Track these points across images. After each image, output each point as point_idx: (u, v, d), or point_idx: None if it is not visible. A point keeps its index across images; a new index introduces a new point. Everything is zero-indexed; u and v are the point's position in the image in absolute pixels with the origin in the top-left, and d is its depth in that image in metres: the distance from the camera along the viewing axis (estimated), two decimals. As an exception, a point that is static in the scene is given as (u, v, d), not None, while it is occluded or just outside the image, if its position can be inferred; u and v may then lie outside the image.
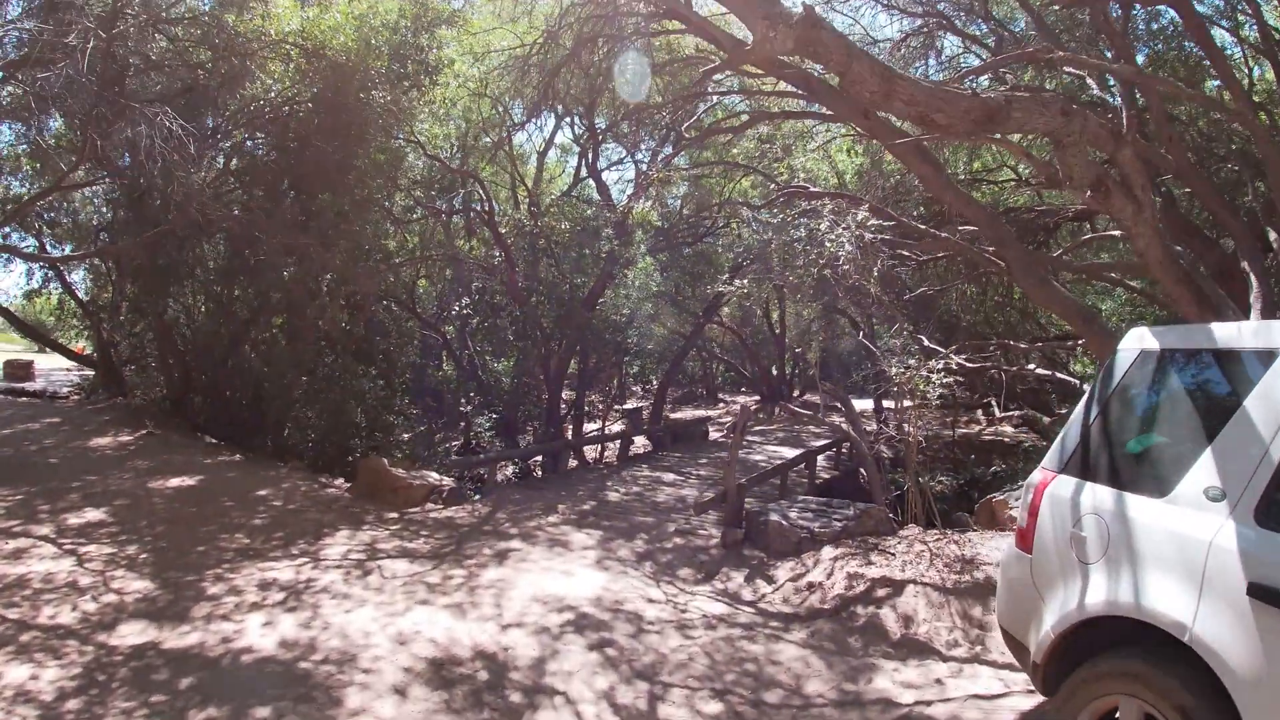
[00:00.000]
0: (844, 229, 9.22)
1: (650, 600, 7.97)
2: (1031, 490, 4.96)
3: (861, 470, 19.60)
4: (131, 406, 15.98)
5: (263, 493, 10.92)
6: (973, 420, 27.30)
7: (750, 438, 21.86)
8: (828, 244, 9.03)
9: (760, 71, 10.02)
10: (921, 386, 11.29)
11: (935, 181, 9.62)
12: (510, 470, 17.12)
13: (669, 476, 14.77)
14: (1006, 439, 21.22)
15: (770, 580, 8.76)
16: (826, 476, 16.25)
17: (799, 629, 7.49)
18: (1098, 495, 4.32)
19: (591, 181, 20.68)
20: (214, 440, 13.91)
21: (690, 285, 22.17)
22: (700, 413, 31.07)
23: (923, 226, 10.26)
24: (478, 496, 13.73)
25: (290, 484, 11.44)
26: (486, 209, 14.43)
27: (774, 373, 33.01)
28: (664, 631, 7.15)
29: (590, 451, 18.45)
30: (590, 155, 19.82)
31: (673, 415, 26.25)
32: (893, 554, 9.02)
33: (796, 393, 33.41)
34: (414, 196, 16.12)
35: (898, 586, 8.18)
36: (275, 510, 10.24)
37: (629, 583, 8.46)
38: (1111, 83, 10.38)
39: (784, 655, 6.84)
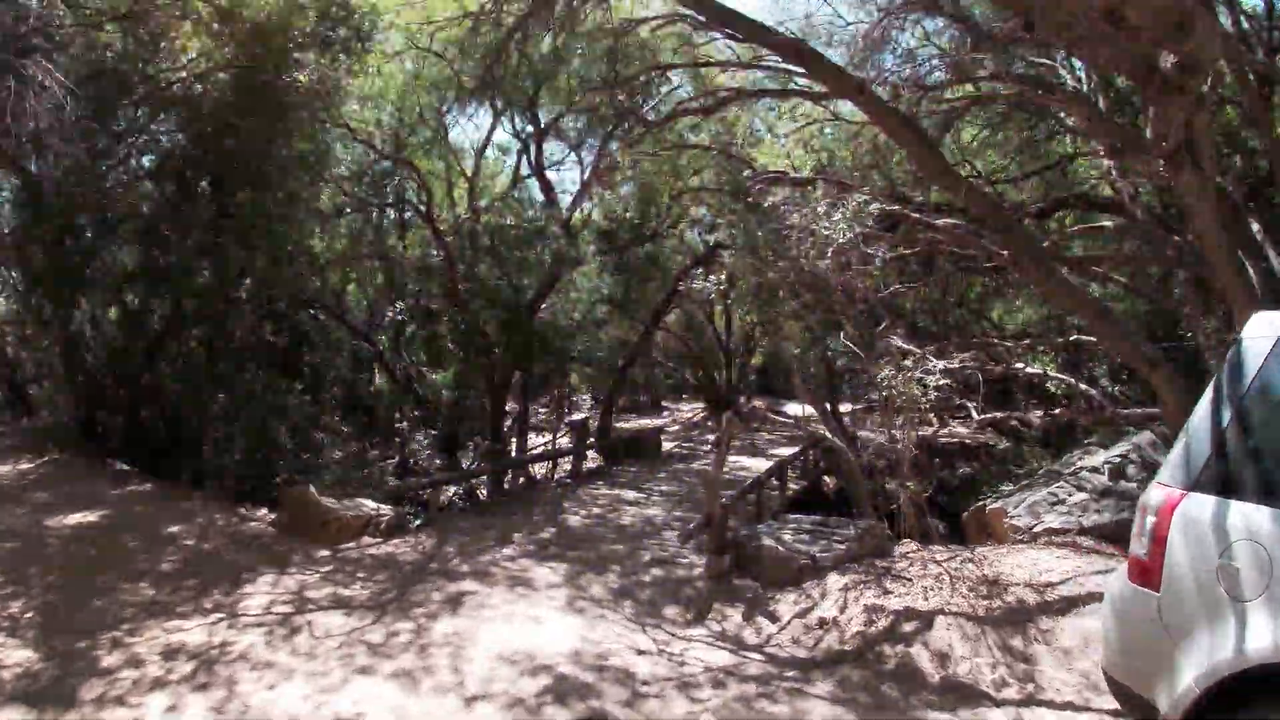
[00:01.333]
0: (841, 215, 8.15)
1: (639, 651, 6.68)
2: (1153, 513, 3.96)
3: (828, 480, 18.65)
4: (36, 430, 14.16)
5: (174, 529, 9.34)
6: (927, 423, 26.74)
7: (705, 448, 20.71)
8: (823, 230, 7.94)
9: (740, 41, 8.88)
10: (914, 391, 10.28)
11: (932, 164, 8.59)
12: (454, 491, 15.62)
13: (630, 495, 13.48)
14: (967, 441, 20.51)
15: (773, 617, 7.55)
16: (795, 488, 15.18)
17: (822, 679, 6.30)
18: (1251, 517, 3.51)
19: (533, 181, 19.35)
20: (126, 466, 12.28)
21: (639, 289, 20.94)
22: (645, 421, 29.86)
23: (919, 215, 9.24)
24: (419, 523, 12.25)
25: (206, 517, 9.86)
26: (423, 202, 12.97)
27: (718, 380, 32.00)
28: (664, 695, 5.87)
29: (538, 468, 17.05)
30: (533, 151, 18.48)
31: (617, 425, 24.96)
32: (908, 579, 7.94)
33: (744, 400, 32.46)
34: (342, 190, 14.54)
35: (925, 619, 7.11)
36: (188, 551, 8.68)
37: (610, 629, 7.15)
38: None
39: (815, 716, 5.62)
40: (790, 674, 6.38)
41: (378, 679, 5.83)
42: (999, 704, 5.82)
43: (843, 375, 24.67)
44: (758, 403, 34.08)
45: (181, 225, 11.99)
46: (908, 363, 9.59)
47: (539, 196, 18.98)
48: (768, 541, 8.53)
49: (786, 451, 19.76)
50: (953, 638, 6.80)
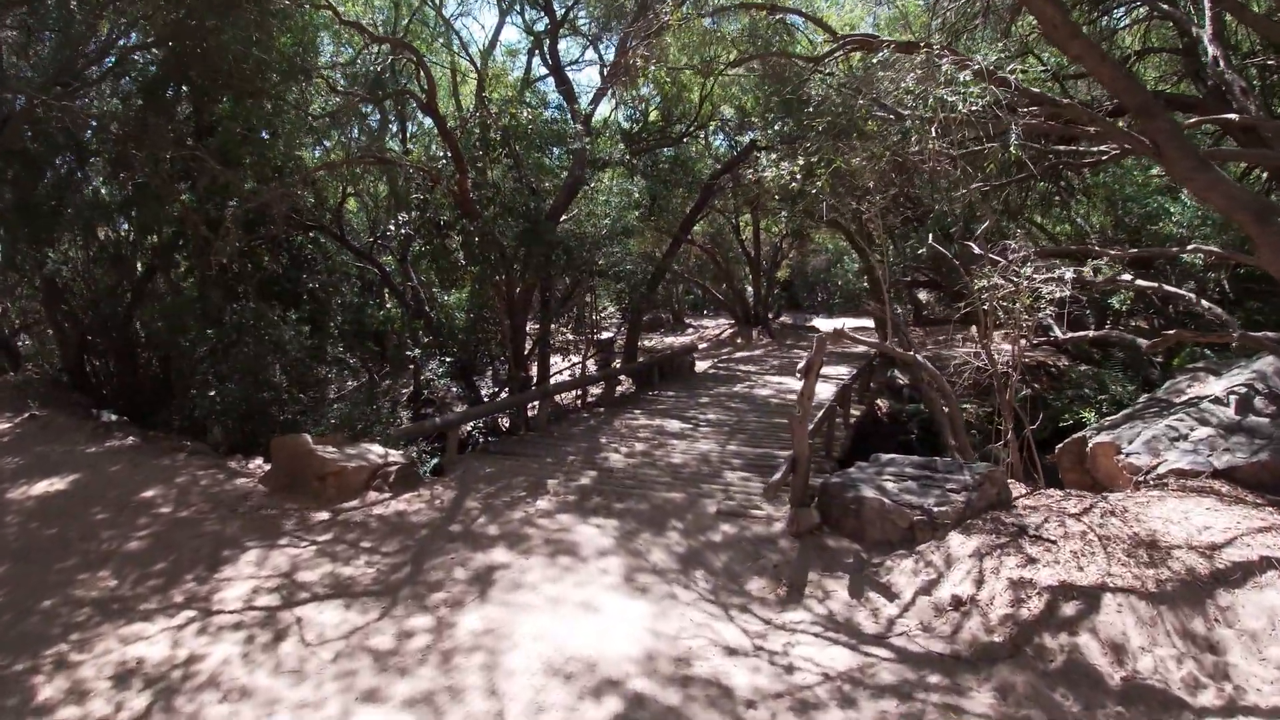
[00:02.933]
0: (974, 75, 6.24)
1: (730, 650, 5.11)
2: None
3: (880, 404, 16.96)
4: (19, 383, 12.84)
5: (149, 493, 7.82)
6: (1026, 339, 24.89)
7: (743, 367, 19.01)
8: (949, 97, 6.04)
9: None
10: (1024, 303, 8.50)
11: (1063, 28, 6.55)
12: (473, 426, 14.03)
13: (673, 425, 11.82)
14: (1028, 361, 18.64)
15: (889, 593, 5.97)
16: (856, 413, 13.50)
17: (976, 684, 4.77)
18: None
19: (549, 80, 17.23)
20: (114, 417, 10.88)
21: (666, 195, 18.93)
22: (670, 339, 28.15)
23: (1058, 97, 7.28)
24: (434, 466, 10.68)
25: (188, 476, 8.32)
26: (426, 91, 10.97)
27: (748, 294, 30.12)
28: (780, 722, 4.27)
29: (566, 395, 15.44)
30: (547, 46, 16.28)
31: (642, 344, 23.24)
32: (1050, 541, 6.30)
33: (771, 315, 30.64)
34: (332, 87, 12.51)
35: (1088, 598, 5.56)
36: (162, 522, 7.16)
37: (685, 615, 5.57)
38: None
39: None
40: (934, 680, 4.82)
41: (388, 710, 4.26)
42: (1199, 714, 4.55)
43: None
44: (785, 318, 32.33)
45: (155, 144, 10.23)
46: (1027, 270, 7.78)
47: (555, 97, 16.92)
48: (868, 492, 6.86)
49: (835, 371, 18.09)
50: (1126, 622, 5.32)
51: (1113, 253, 9.53)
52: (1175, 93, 12.42)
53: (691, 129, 18.45)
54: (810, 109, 13.30)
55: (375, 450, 8.52)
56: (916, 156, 7.43)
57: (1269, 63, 10.38)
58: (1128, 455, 8.59)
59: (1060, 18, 6.54)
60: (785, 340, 26.43)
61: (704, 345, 26.12)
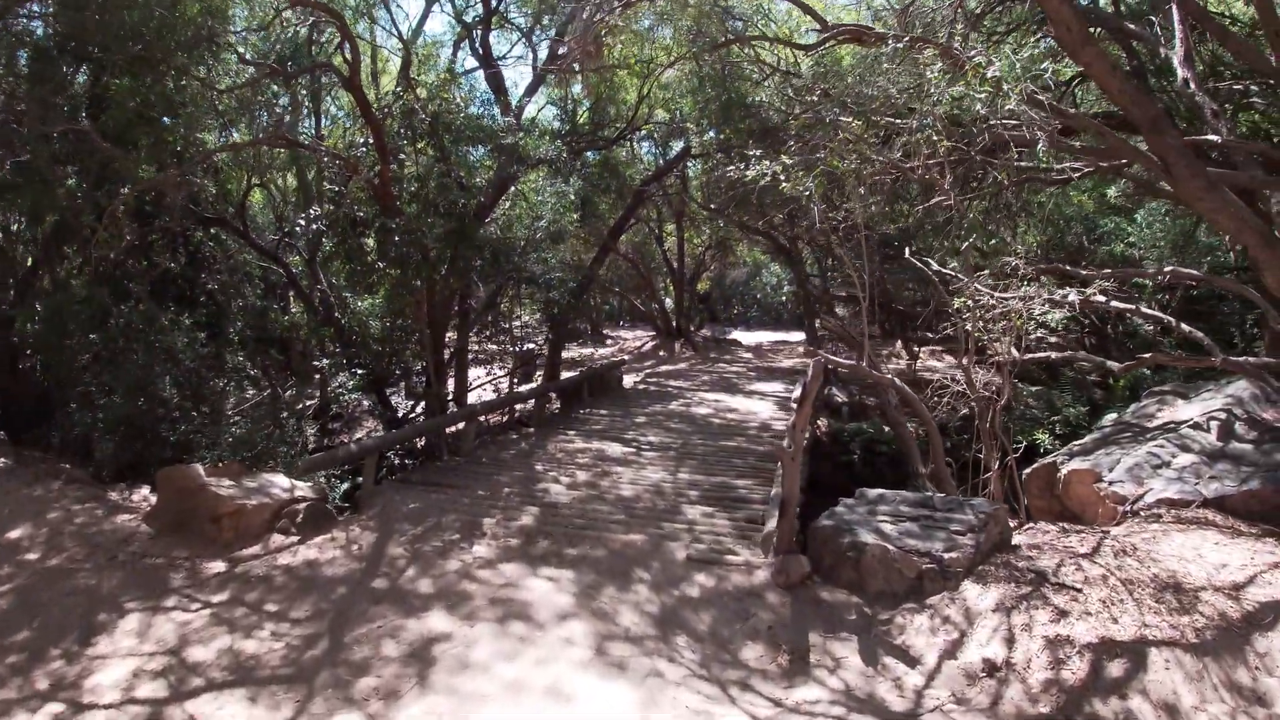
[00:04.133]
0: (1001, 69, 5.48)
1: (742, 747, 4.09)
2: None
3: (820, 424, 16.28)
4: None
5: (15, 534, 6.44)
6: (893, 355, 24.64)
7: (673, 383, 18.11)
8: (972, 95, 5.25)
9: None
10: (1017, 323, 7.86)
11: (1077, 34, 5.90)
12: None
13: (614, 449, 10.77)
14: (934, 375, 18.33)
15: (909, 657, 5.11)
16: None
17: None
18: None
19: (476, 74, 15.98)
20: None
21: (595, 200, 17.89)
22: (588, 351, 27.07)
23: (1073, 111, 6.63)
24: (343, 500, 9.37)
25: (61, 511, 6.88)
26: (350, 63, 9.58)
27: (669, 306, 29.35)
28: None
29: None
30: (480, 35, 15.06)
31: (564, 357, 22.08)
32: (1076, 589, 5.57)
33: (693, 328, 29.92)
34: (240, 56, 10.95)
35: (1132, 655, 4.95)
36: (27, 572, 5.81)
37: (679, 701, 4.59)
38: None
39: None
40: (992, 780, 3.91)
41: None
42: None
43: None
44: (706, 331, 31.68)
45: (42, 119, 8.74)
46: (1029, 289, 7.12)
47: (484, 92, 15.71)
48: (867, 537, 5.99)
49: (769, 387, 17.37)
50: (1174, 680, 4.70)
51: (1107, 273, 9.00)
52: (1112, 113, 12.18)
53: (625, 132, 17.47)
54: (764, 111, 12.63)
55: (279, 483, 7.21)
56: (913, 160, 6.64)
57: (1235, 86, 10.09)
58: (1110, 484, 8.09)
59: (1075, 23, 5.88)
60: (709, 354, 25.69)
61: (625, 358, 25.18)
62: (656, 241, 28.66)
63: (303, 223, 12.10)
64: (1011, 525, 7.16)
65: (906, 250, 9.40)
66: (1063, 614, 5.23)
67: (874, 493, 6.95)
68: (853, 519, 6.36)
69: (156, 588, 5.60)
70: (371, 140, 10.32)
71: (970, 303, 7.94)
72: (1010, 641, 5.05)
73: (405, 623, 5.27)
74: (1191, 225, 13.36)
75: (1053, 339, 9.19)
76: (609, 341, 30.61)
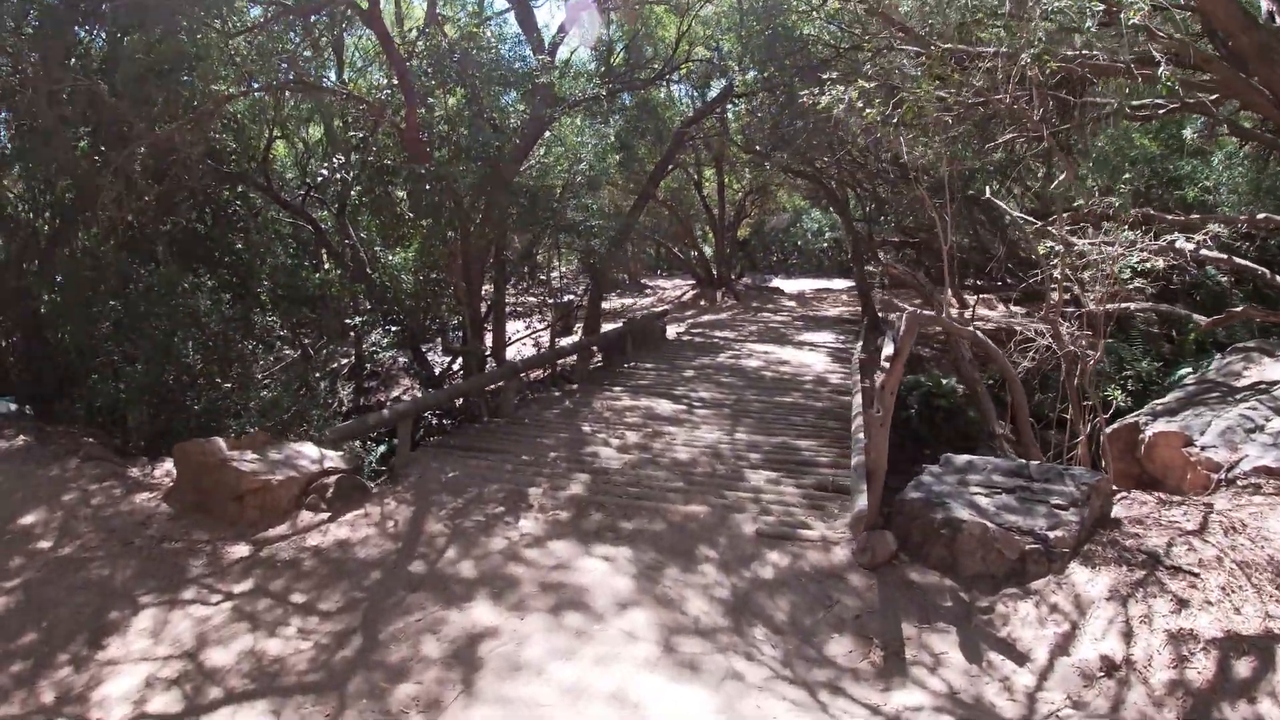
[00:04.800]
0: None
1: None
2: None
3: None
4: None
5: (28, 519, 5.98)
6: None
7: (718, 334, 17.41)
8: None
9: None
10: (1115, 271, 7.07)
11: None
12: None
13: (664, 407, 10.17)
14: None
15: (1016, 653, 4.49)
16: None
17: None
18: None
19: (506, 17, 15.10)
20: (13, 407, 9.09)
21: (633, 145, 17.03)
22: (629, 301, 26.35)
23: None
24: (378, 466, 8.89)
25: (77, 492, 6.42)
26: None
27: (710, 254, 28.44)
28: None
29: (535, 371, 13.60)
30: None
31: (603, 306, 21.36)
32: (1193, 574, 4.90)
33: (734, 276, 29.02)
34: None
35: (1260, 652, 4.24)
36: (38, 563, 5.36)
37: (763, 710, 4.00)
38: None
39: None
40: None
41: None
42: None
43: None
44: (746, 279, 30.75)
45: (50, 78, 8.22)
46: (1128, 235, 6.32)
47: (514, 31, 14.83)
48: (962, 512, 5.33)
49: (819, 337, 16.63)
50: None
51: (1203, 218, 8.12)
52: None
53: (664, 71, 16.51)
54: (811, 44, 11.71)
55: (308, 453, 6.69)
56: (1001, 90, 5.79)
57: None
58: (1203, 449, 7.30)
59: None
60: (751, 303, 24.88)
61: (666, 308, 24.48)
62: (695, 188, 27.64)
63: (325, 173, 11.46)
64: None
65: (987, 191, 8.54)
66: (1182, 603, 4.56)
67: (961, 459, 6.26)
68: (942, 490, 5.69)
69: (174, 577, 5.12)
70: (397, 82, 9.60)
71: (1061, 248, 7.12)
72: (1128, 635, 4.40)
73: (446, 614, 4.73)
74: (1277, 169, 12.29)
75: (1149, 289, 8.35)
76: (648, 291, 29.85)
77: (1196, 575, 4.83)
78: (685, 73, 17.89)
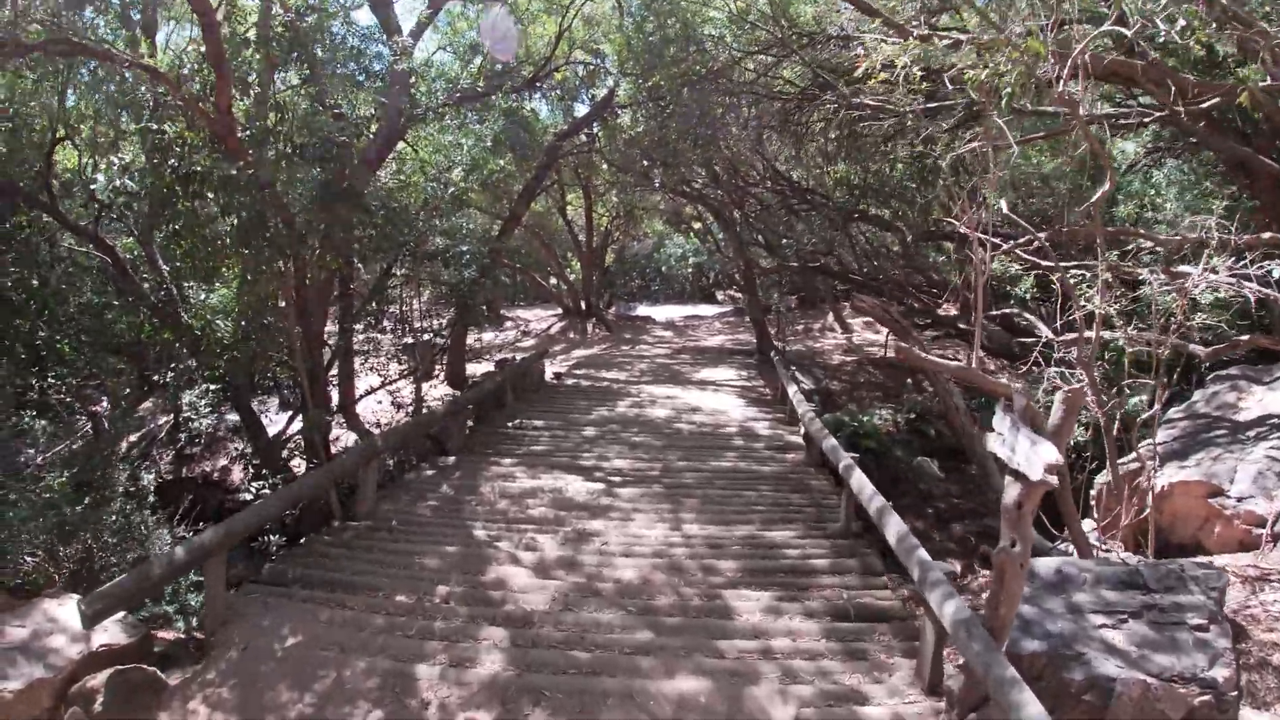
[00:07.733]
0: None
1: None
2: None
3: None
4: None
5: None
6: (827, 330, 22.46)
7: (605, 374, 15.25)
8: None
9: None
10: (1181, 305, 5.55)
11: None
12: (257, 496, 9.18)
13: (577, 486, 7.76)
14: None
15: None
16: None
17: None
18: None
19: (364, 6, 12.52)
20: None
21: (502, 159, 14.68)
22: (489, 336, 23.76)
23: None
24: (186, 662, 6.12)
25: None
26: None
27: (576, 284, 26.30)
28: None
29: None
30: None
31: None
32: None
33: (604, 306, 27.02)
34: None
35: None
36: None
37: None
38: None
39: None
40: None
41: None
42: None
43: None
44: (614, 308, 28.95)
45: None
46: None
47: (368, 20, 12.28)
48: (1107, 665, 3.39)
49: (718, 375, 14.82)
50: None
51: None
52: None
53: (541, 74, 14.32)
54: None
55: (67, 626, 4.00)
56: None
57: None
58: (1239, 500, 5.99)
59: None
60: (624, 334, 23.00)
61: (532, 342, 22.20)
62: (560, 212, 25.51)
63: (101, 178, 8.41)
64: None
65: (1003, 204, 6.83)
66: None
67: (1046, 568, 4.24)
68: (1063, 630, 3.69)
69: None
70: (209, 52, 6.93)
71: (1109, 277, 5.47)
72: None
73: None
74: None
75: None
76: (509, 324, 27.39)
77: None
78: (561, 79, 15.75)
